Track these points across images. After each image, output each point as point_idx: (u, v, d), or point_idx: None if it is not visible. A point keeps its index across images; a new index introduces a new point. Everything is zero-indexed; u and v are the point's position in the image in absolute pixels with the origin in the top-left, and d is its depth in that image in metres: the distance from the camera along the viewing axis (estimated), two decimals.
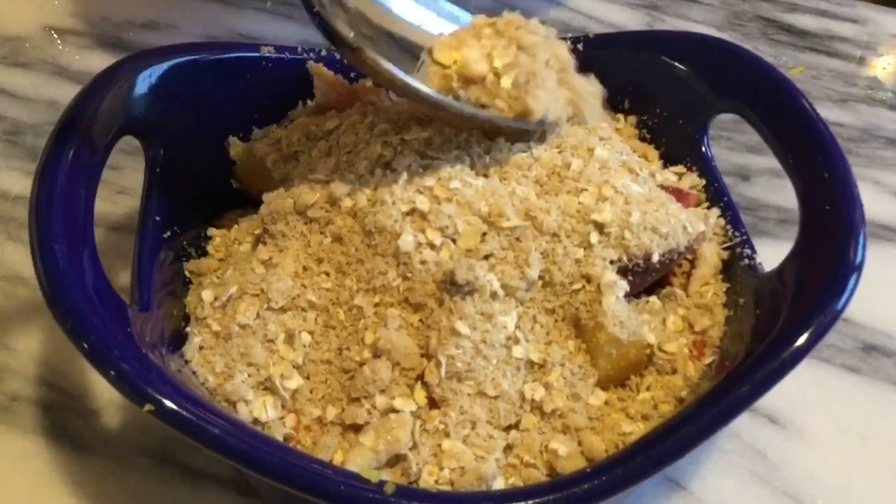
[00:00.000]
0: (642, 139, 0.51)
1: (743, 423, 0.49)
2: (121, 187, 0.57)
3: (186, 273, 0.44)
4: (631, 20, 0.74)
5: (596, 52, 0.52)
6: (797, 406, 0.50)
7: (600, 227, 0.41)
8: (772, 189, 0.62)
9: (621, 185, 0.42)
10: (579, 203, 0.41)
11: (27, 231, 0.53)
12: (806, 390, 0.50)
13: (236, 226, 0.45)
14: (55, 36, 0.68)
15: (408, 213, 0.40)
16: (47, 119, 0.62)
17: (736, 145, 0.64)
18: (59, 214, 0.37)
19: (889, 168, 0.64)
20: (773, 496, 0.46)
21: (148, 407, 0.33)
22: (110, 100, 0.41)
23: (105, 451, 0.46)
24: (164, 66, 0.44)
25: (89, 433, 0.46)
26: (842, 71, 0.72)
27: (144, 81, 0.43)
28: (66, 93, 0.64)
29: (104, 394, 0.48)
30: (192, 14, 0.71)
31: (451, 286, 0.38)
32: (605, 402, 0.40)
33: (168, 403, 0.33)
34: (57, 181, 0.38)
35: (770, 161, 0.63)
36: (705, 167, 0.48)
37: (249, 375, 0.39)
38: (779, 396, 0.50)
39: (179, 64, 0.45)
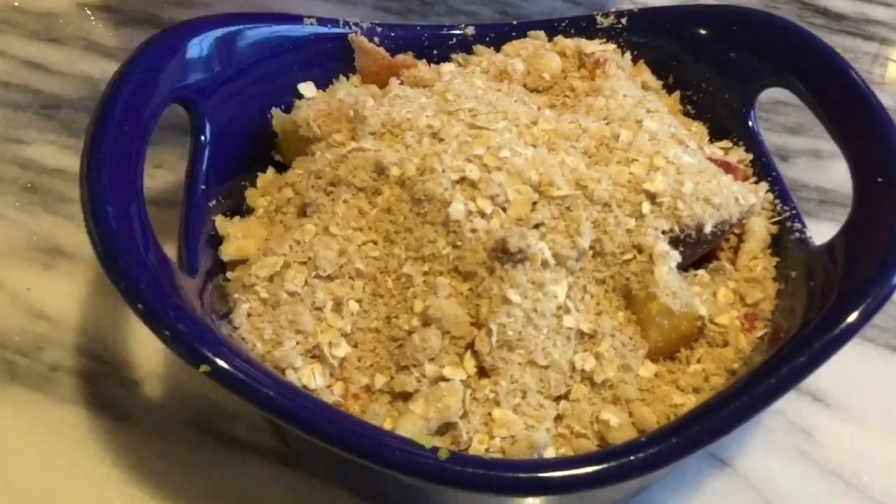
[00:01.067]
0: (686, 114, 0.50)
1: (787, 402, 0.48)
2: (158, 161, 0.57)
3: (228, 237, 0.44)
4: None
5: (639, 27, 0.51)
6: (841, 385, 0.49)
7: (652, 197, 0.40)
8: (812, 170, 0.61)
9: (672, 156, 0.41)
10: (630, 173, 0.41)
11: (64, 203, 0.55)
12: (850, 369, 0.50)
13: (279, 193, 0.45)
14: (88, 12, 0.68)
15: (457, 182, 0.40)
16: (83, 94, 0.62)
17: (774, 126, 0.64)
18: (110, 177, 0.37)
19: None
20: (819, 473, 0.46)
21: (204, 368, 0.33)
22: (160, 65, 0.41)
23: (146, 420, 0.45)
24: (213, 34, 0.44)
25: (130, 403, 0.46)
26: (878, 54, 0.71)
27: (194, 49, 0.43)
28: (101, 68, 0.64)
29: (145, 364, 0.47)
30: None
31: (503, 254, 0.38)
32: (656, 375, 0.40)
33: (223, 364, 0.33)
34: (108, 144, 0.37)
35: (809, 142, 0.63)
36: (752, 142, 0.47)
37: (298, 343, 0.39)
38: (823, 375, 0.48)
39: (227, 33, 0.45)
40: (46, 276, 0.51)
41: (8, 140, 0.59)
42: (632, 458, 0.34)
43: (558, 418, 0.38)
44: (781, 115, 0.65)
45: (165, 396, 0.46)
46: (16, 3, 0.68)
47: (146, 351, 0.48)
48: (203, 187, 0.43)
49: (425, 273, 0.40)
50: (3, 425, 0.45)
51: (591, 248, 0.40)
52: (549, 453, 0.37)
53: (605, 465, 0.34)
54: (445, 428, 0.38)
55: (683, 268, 0.42)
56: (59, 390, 0.46)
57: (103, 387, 0.47)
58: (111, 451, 0.44)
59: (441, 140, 0.42)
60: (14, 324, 0.49)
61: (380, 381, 0.39)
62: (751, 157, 0.47)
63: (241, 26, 0.46)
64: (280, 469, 0.44)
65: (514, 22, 0.54)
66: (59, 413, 0.45)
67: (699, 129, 0.49)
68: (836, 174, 0.61)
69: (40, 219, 0.54)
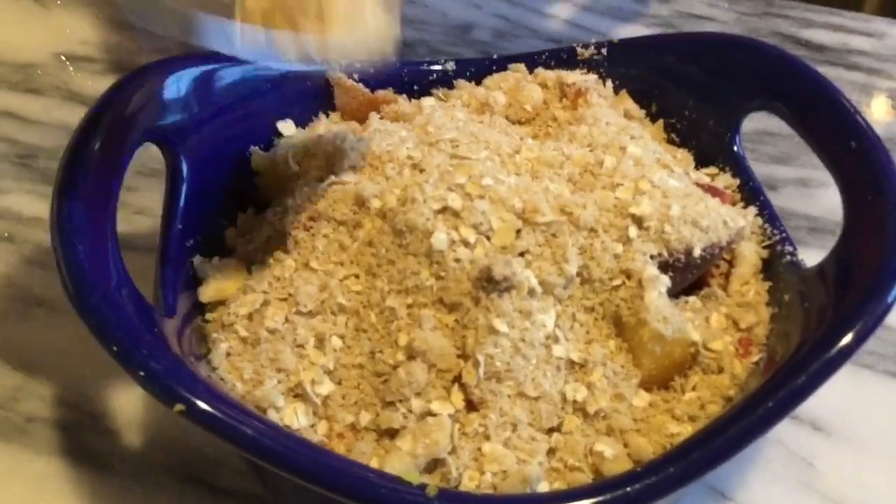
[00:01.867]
0: (671, 142, 0.50)
1: (786, 431, 0.47)
2: (138, 208, 0.56)
3: (207, 278, 0.42)
4: None
5: (620, 57, 0.51)
6: (840, 413, 0.48)
7: (639, 221, 0.39)
8: (800, 198, 0.61)
9: (658, 179, 0.41)
10: (616, 198, 0.40)
11: (41, 253, 0.54)
12: (849, 397, 0.49)
13: (258, 231, 0.44)
14: (67, 63, 0.68)
15: (439, 211, 0.39)
16: (60, 143, 0.60)
17: (761, 156, 0.63)
18: (81, 213, 0.36)
19: None
20: None
21: (179, 407, 0.31)
22: (135, 102, 0.40)
23: (126, 470, 0.44)
24: (188, 73, 0.43)
25: (109, 452, 0.44)
26: (861, 83, 0.71)
27: (170, 87, 0.42)
28: (79, 117, 0.63)
29: (124, 412, 0.46)
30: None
31: (488, 283, 0.37)
32: (650, 404, 0.39)
33: (200, 403, 0.31)
34: (79, 182, 0.36)
35: (796, 171, 0.63)
36: (739, 167, 0.47)
37: (279, 381, 0.38)
38: (822, 403, 0.48)
39: (203, 72, 0.44)
40: (22, 326, 0.50)
41: None
42: (628, 489, 0.33)
43: (551, 451, 0.37)
44: (768, 144, 0.64)
45: (146, 445, 0.45)
46: None
47: (125, 400, 0.47)
48: (180, 227, 0.42)
49: (409, 305, 0.38)
50: None
51: (579, 274, 0.39)
52: (543, 488, 0.36)
53: (600, 498, 0.32)
54: (434, 465, 0.36)
55: (674, 294, 0.42)
56: (37, 441, 0.45)
57: (82, 436, 0.45)
58: (91, 502, 0.42)
59: (422, 171, 0.41)
60: None
61: (365, 418, 0.37)
62: (738, 182, 0.46)
63: (217, 65, 0.45)
64: None
65: (495, 56, 0.53)
66: (36, 464, 0.44)
67: (684, 155, 0.48)
68: (824, 201, 0.61)
69: (18, 268, 0.53)
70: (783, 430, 0.47)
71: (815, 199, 0.61)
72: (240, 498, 0.43)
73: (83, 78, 0.66)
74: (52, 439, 0.45)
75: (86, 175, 0.37)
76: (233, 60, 0.46)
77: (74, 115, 0.62)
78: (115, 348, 0.32)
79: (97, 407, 0.46)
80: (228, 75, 0.46)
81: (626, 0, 0.78)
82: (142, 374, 0.32)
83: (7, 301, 0.51)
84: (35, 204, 0.57)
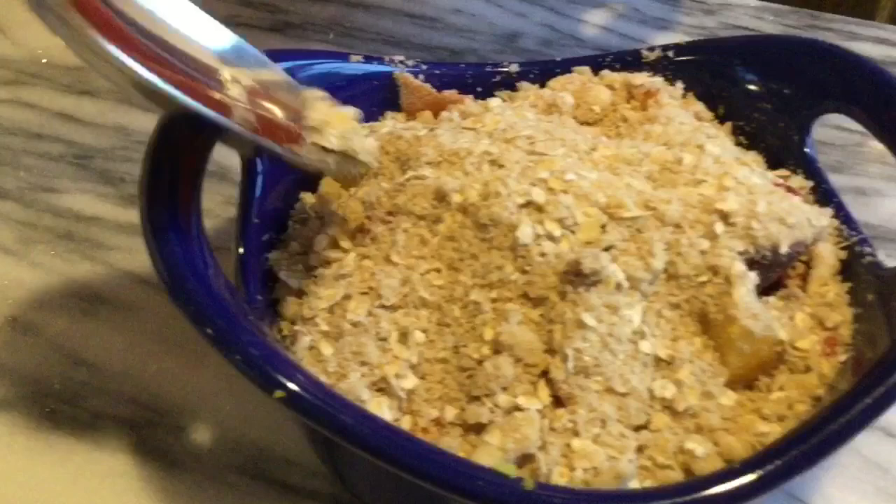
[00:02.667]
0: (739, 145, 0.50)
1: (860, 438, 0.46)
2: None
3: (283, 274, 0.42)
4: None
5: (688, 60, 0.51)
6: None
7: (725, 217, 0.39)
8: (857, 207, 0.59)
9: (742, 176, 0.40)
10: (699, 194, 0.40)
11: (101, 250, 0.54)
12: None
13: (333, 227, 0.43)
14: None
15: (523, 206, 0.39)
16: (116, 144, 0.62)
17: None
18: (169, 204, 0.36)
19: None
20: None
21: (279, 394, 0.31)
22: None
23: (196, 468, 0.43)
24: None
25: (178, 450, 0.44)
26: None
27: None
28: (134, 118, 0.64)
29: (191, 409, 0.46)
30: (255, 45, 0.70)
31: (576, 277, 0.37)
32: (737, 404, 0.38)
33: (301, 390, 0.31)
34: (166, 169, 0.36)
35: (852, 179, 0.63)
36: (811, 169, 0.47)
37: (363, 375, 0.37)
38: (893, 410, 0.48)
39: (283, 69, 0.44)
40: (86, 323, 0.50)
41: (42, 189, 0.58)
42: (727, 487, 0.32)
43: (639, 449, 0.37)
44: (822, 153, 0.63)
45: (214, 442, 0.44)
46: (44, 60, 0.68)
47: (192, 395, 0.46)
48: (257, 221, 0.42)
49: (493, 300, 0.38)
50: (48, 475, 0.43)
51: (665, 270, 0.39)
52: (634, 485, 0.35)
53: (700, 495, 0.32)
54: (522, 461, 0.36)
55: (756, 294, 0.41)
56: (104, 438, 0.44)
57: (150, 434, 0.45)
58: (162, 500, 0.42)
59: (501, 166, 0.41)
60: (54, 371, 0.47)
61: (450, 413, 0.37)
62: (811, 184, 0.46)
63: (294, 62, 0.45)
64: None
65: (558, 59, 0.53)
66: (105, 461, 0.43)
67: (755, 158, 0.48)
68: (881, 210, 0.60)
69: (78, 266, 0.53)
70: (857, 437, 0.46)
71: (872, 207, 0.61)
72: (311, 496, 0.43)
73: None
74: (120, 436, 0.44)
75: (172, 164, 0.37)
76: (307, 56, 0.46)
77: (130, 117, 0.63)
78: (212, 334, 0.32)
79: (163, 404, 0.46)
80: (304, 72, 0.45)
81: (670, 11, 0.79)
82: (239, 359, 0.31)
83: (69, 298, 0.51)
84: (93, 203, 0.57)
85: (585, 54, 0.55)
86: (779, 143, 0.48)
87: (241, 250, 0.40)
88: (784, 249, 0.39)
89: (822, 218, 0.41)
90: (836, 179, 0.62)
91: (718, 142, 0.44)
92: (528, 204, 0.39)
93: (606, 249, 0.38)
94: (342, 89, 0.48)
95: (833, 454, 0.34)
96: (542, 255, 0.38)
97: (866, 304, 0.40)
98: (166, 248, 0.34)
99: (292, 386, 0.31)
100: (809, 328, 0.40)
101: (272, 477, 0.43)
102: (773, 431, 0.37)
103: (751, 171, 0.42)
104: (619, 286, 0.37)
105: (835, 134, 0.65)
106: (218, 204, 0.56)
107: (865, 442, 0.46)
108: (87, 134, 0.62)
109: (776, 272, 0.41)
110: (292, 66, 0.45)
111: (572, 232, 0.38)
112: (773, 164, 0.48)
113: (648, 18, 0.77)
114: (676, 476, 0.36)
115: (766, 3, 0.80)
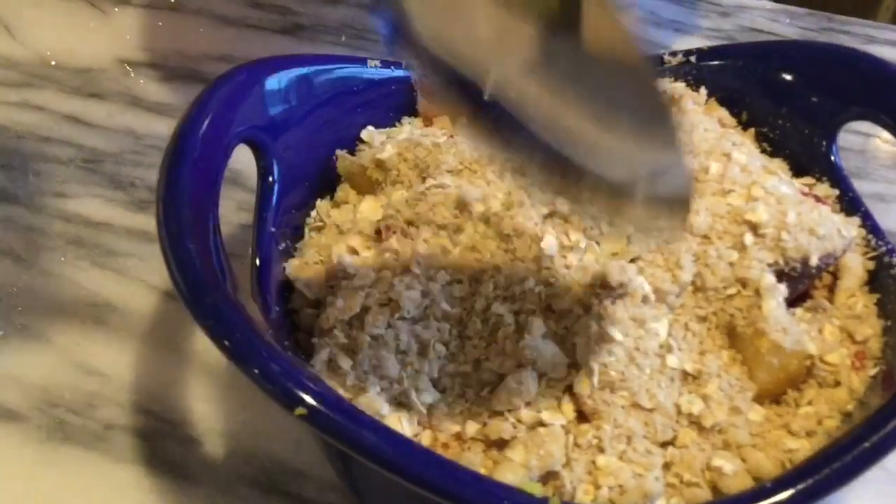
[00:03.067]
0: (763, 152, 0.49)
1: None
2: None
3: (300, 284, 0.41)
4: None
5: (710, 66, 0.50)
6: None
7: (755, 228, 0.38)
8: (877, 213, 0.59)
9: (770, 186, 0.40)
10: (728, 204, 0.39)
11: (111, 257, 0.53)
12: None
13: (351, 236, 0.43)
14: (129, 68, 0.67)
15: (547, 216, 0.38)
16: (125, 147, 0.61)
17: None
18: (187, 213, 0.35)
19: None
20: None
21: (300, 411, 0.30)
22: (231, 102, 0.39)
23: (209, 479, 0.42)
24: (286, 74, 0.42)
25: (191, 462, 0.43)
26: None
27: (263, 87, 0.41)
28: (144, 122, 0.63)
29: (204, 420, 0.45)
30: (266, 47, 0.70)
31: (602, 289, 0.36)
32: (765, 419, 0.37)
33: (323, 408, 0.30)
34: (184, 179, 0.35)
35: (872, 186, 0.62)
36: (837, 177, 0.46)
37: (383, 389, 0.36)
38: None
39: (299, 73, 0.43)
40: (96, 332, 0.49)
41: (51, 194, 0.57)
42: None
43: (666, 466, 0.36)
44: (842, 160, 0.63)
45: (227, 454, 0.44)
46: (52, 63, 0.67)
47: (204, 407, 0.45)
48: (272, 229, 0.41)
49: (516, 312, 0.37)
50: (59, 486, 0.42)
51: (692, 282, 0.38)
52: None
53: None
54: (546, 478, 0.35)
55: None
56: (116, 449, 0.44)
57: (161, 445, 0.44)
58: None
59: (524, 174, 0.40)
60: (64, 381, 0.46)
61: (472, 428, 0.36)
62: (837, 192, 0.45)
63: (311, 68, 0.44)
64: None
65: None
66: (116, 473, 0.43)
67: (780, 165, 0.47)
68: None
69: (88, 272, 0.52)
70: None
71: (892, 213, 0.60)
72: None
73: (145, 84, 0.66)
74: (132, 447, 0.44)
75: (192, 173, 0.36)
76: (323, 61, 0.46)
77: (138, 120, 0.62)
78: (232, 349, 0.31)
79: (175, 415, 0.45)
80: (320, 77, 0.45)
81: (686, 14, 0.78)
82: (257, 373, 0.30)
83: (79, 305, 0.50)
84: (103, 208, 0.56)
85: None
86: (803, 150, 0.47)
87: (257, 261, 0.39)
88: (814, 261, 0.38)
89: (851, 228, 0.40)
90: (856, 186, 0.62)
91: (745, 149, 0.43)
92: (553, 214, 0.38)
93: (632, 261, 0.37)
94: (359, 94, 0.47)
95: (865, 472, 0.33)
96: (567, 266, 0.37)
97: (895, 318, 0.40)
98: (184, 259, 0.33)
99: (313, 402, 0.30)
100: (839, 341, 0.39)
101: (286, 490, 0.42)
102: (801, 448, 0.36)
103: (779, 180, 0.41)
104: (645, 299, 0.37)
105: (853, 139, 0.64)
106: (231, 210, 0.55)
107: (891, 455, 0.45)
108: (97, 137, 0.61)
109: (804, 284, 0.40)
110: (310, 70, 0.44)
111: (597, 243, 0.37)
112: (796, 171, 0.47)
113: (664, 21, 0.76)
114: (704, 494, 0.35)
115: (782, 5, 0.79)
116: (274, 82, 0.42)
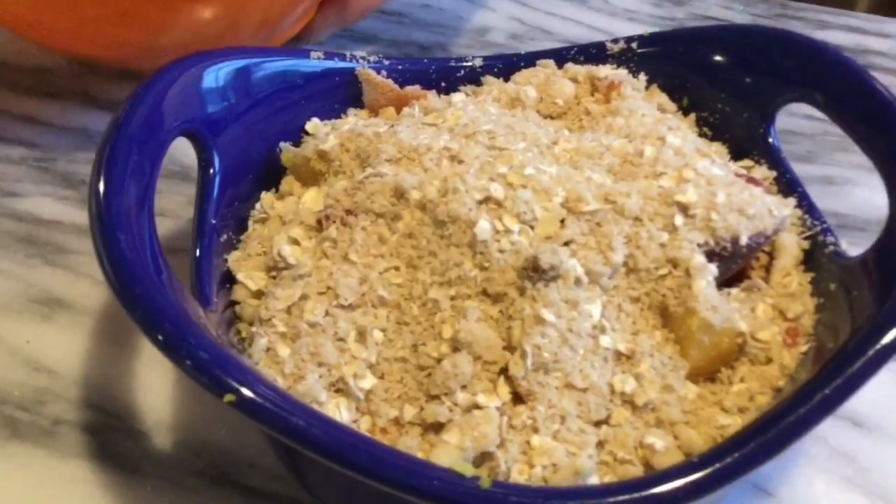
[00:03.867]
0: (703, 136, 0.49)
1: (827, 428, 0.46)
2: (160, 209, 0.54)
3: (241, 276, 0.42)
4: None
5: (650, 52, 0.51)
6: (880, 409, 0.47)
7: (685, 209, 0.39)
8: (826, 196, 0.60)
9: (702, 168, 0.40)
10: (659, 186, 0.39)
11: (62, 254, 0.53)
12: (888, 394, 0.48)
13: (293, 226, 0.43)
14: (82, 67, 0.67)
15: (482, 202, 0.38)
16: (78, 146, 0.61)
17: (786, 155, 0.63)
18: (121, 206, 0.35)
19: None
20: (865, 499, 0.43)
21: (228, 397, 0.30)
22: (170, 95, 0.40)
23: (156, 472, 0.43)
24: (224, 67, 0.43)
25: (139, 455, 0.43)
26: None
27: (204, 80, 0.42)
28: (98, 120, 0.63)
29: (152, 414, 0.45)
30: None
31: (534, 272, 0.36)
32: (698, 396, 0.38)
33: (251, 393, 0.30)
34: (117, 173, 0.36)
35: (821, 168, 0.63)
36: (775, 159, 0.46)
37: (321, 376, 0.37)
38: (860, 400, 0.47)
39: (238, 67, 0.44)
40: (46, 328, 0.49)
41: (2, 194, 0.57)
42: (685, 480, 0.32)
43: (599, 444, 0.36)
44: (792, 143, 0.64)
45: (176, 447, 0.44)
46: (5, 62, 0.67)
47: (153, 401, 0.46)
48: (213, 221, 0.41)
49: (452, 297, 0.38)
50: (7, 482, 0.42)
51: (624, 264, 0.38)
52: (594, 481, 0.35)
53: (659, 490, 0.32)
54: (481, 459, 0.35)
55: (717, 285, 0.41)
56: (64, 445, 0.44)
57: (110, 439, 0.44)
58: None
59: (461, 162, 0.40)
60: (13, 378, 0.47)
61: (409, 412, 0.37)
62: (774, 174, 0.46)
63: (251, 60, 0.45)
64: None
65: (523, 52, 0.53)
66: (65, 468, 0.43)
67: (719, 149, 0.48)
68: (851, 199, 0.60)
69: (38, 270, 0.52)
70: (824, 427, 0.46)
71: (842, 196, 0.61)
72: (273, 499, 0.42)
73: (99, 82, 0.66)
74: (81, 442, 0.44)
75: (124, 166, 0.36)
76: (265, 55, 0.46)
77: (92, 119, 0.62)
78: (161, 339, 0.31)
79: (124, 409, 0.45)
80: (261, 69, 0.45)
81: (640, 3, 0.78)
82: (190, 363, 0.31)
83: (29, 303, 0.50)
84: (55, 206, 0.56)
85: (554, 47, 0.55)
86: (743, 133, 0.48)
87: (196, 252, 0.40)
88: (744, 240, 0.39)
89: (784, 208, 0.41)
90: (804, 169, 0.62)
91: (680, 133, 0.43)
92: (487, 200, 0.38)
93: (566, 244, 0.38)
94: (303, 87, 0.48)
95: (792, 445, 0.33)
96: (501, 251, 0.37)
97: (828, 294, 0.40)
98: (114, 251, 0.33)
99: (242, 389, 0.30)
100: (771, 319, 0.40)
101: (233, 480, 0.43)
102: (733, 423, 0.37)
103: (711, 162, 0.42)
104: (578, 281, 0.37)
105: (804, 123, 0.65)
106: (180, 205, 0.55)
107: (832, 432, 0.46)
108: (49, 136, 0.62)
109: (737, 263, 0.41)
110: (250, 62, 0.45)
111: (531, 227, 0.38)
112: (737, 154, 0.48)
113: (618, 10, 0.77)
114: (636, 471, 0.35)
115: None
116: (213, 76, 0.43)
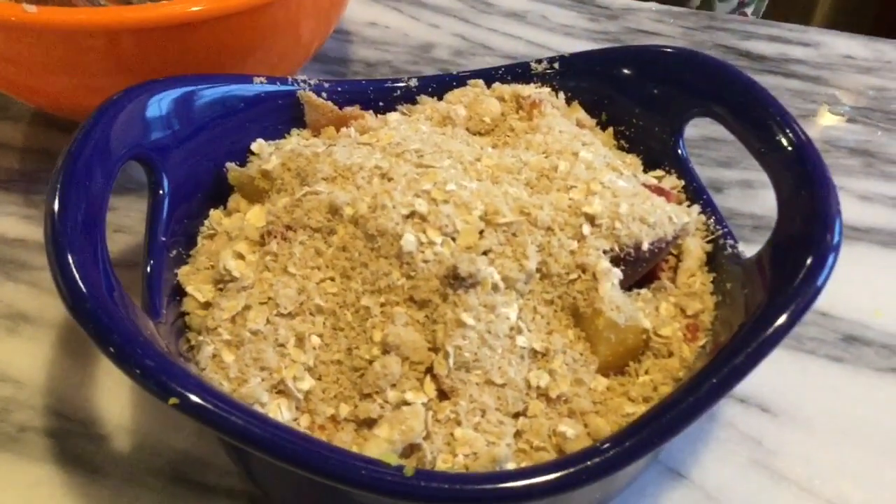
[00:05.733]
0: (621, 148, 0.53)
1: (736, 413, 0.50)
2: (118, 226, 0.58)
3: (190, 288, 0.45)
4: None
5: (571, 71, 0.55)
6: (786, 395, 0.52)
7: (591, 219, 0.43)
8: (744, 199, 0.65)
9: (608, 181, 0.44)
10: (570, 199, 0.43)
11: (25, 271, 0.56)
12: (794, 380, 0.52)
13: (238, 241, 0.46)
14: None
15: (408, 216, 0.42)
16: (39, 167, 0.64)
17: (707, 160, 0.67)
18: (74, 227, 0.38)
19: (852, 175, 0.67)
20: (771, 480, 0.47)
21: (173, 401, 0.34)
22: (120, 122, 0.43)
23: (117, 473, 0.46)
24: (170, 95, 0.46)
25: (100, 457, 0.47)
26: (800, 90, 0.76)
27: (151, 107, 0.45)
28: (56, 142, 0.66)
29: (113, 418, 0.48)
30: None
31: (455, 280, 0.40)
32: (607, 388, 0.42)
33: (192, 396, 0.34)
34: (71, 196, 0.39)
35: (740, 173, 0.67)
36: (683, 168, 0.50)
37: (263, 379, 0.40)
38: (769, 387, 0.52)
39: (183, 93, 0.47)
40: (10, 341, 0.52)
41: None
42: (588, 463, 0.36)
43: (517, 434, 0.40)
44: (713, 150, 0.68)
45: (135, 449, 0.47)
46: None
47: (113, 406, 0.49)
48: (163, 238, 0.45)
49: (382, 304, 0.41)
50: None
51: (538, 270, 0.42)
52: (511, 467, 0.39)
53: (564, 472, 0.35)
54: (410, 450, 0.39)
55: (627, 287, 0.45)
56: (29, 449, 0.47)
57: (73, 444, 0.47)
58: None
59: (390, 179, 0.44)
60: None
61: (344, 410, 0.40)
62: (682, 183, 0.50)
63: (196, 87, 0.48)
64: None
65: (455, 73, 0.57)
66: (30, 471, 0.46)
67: (633, 160, 0.52)
68: (767, 201, 0.64)
69: (2, 286, 0.55)
70: (734, 413, 0.50)
71: (759, 199, 0.65)
72: (227, 494, 0.45)
73: None
74: (45, 447, 0.47)
75: (76, 191, 0.39)
76: (209, 81, 0.49)
77: (52, 140, 0.65)
78: (111, 350, 0.35)
79: (86, 415, 0.49)
80: (205, 95, 0.48)
81: (576, 18, 0.82)
82: (138, 371, 0.34)
83: None
84: (17, 226, 0.59)
85: (495, 62, 0.58)
86: (655, 145, 0.52)
87: (147, 269, 0.43)
88: (646, 246, 0.43)
89: (684, 215, 0.45)
90: (725, 174, 0.67)
91: (593, 148, 0.47)
92: (412, 214, 0.42)
93: (485, 253, 0.42)
94: (245, 110, 0.51)
95: (685, 428, 0.37)
96: (425, 261, 0.41)
97: (726, 293, 0.44)
98: (68, 271, 0.36)
99: (185, 393, 0.34)
100: (672, 317, 0.44)
101: (189, 478, 0.46)
102: (638, 412, 0.41)
103: (619, 175, 0.46)
104: (495, 287, 0.41)
105: (723, 130, 0.68)
106: (136, 221, 0.59)
107: (741, 417, 0.50)
108: (12, 158, 0.64)
109: (643, 267, 0.45)
110: (192, 90, 0.48)
111: (453, 239, 0.42)
112: (651, 165, 0.52)
113: (555, 25, 0.81)
114: (550, 457, 0.39)
115: (668, 6, 0.84)
116: (157, 104, 0.46)
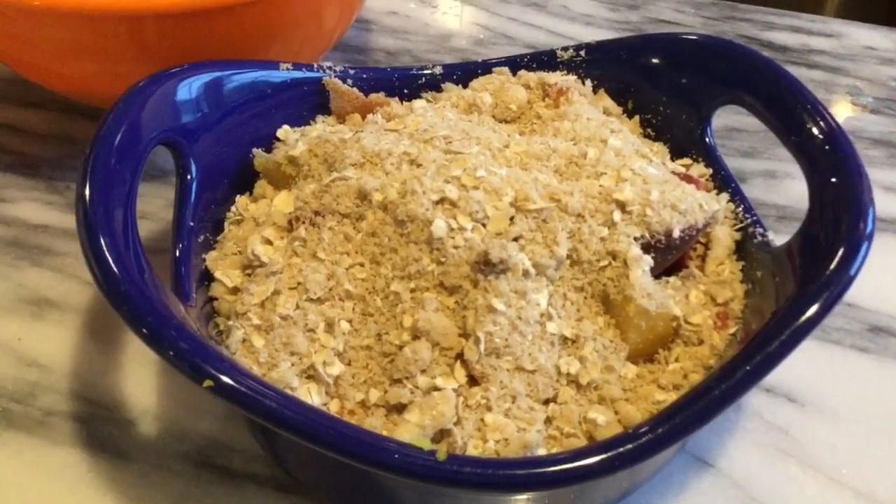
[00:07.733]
0: (646, 137, 0.53)
1: (763, 403, 0.50)
2: (142, 212, 0.58)
3: (218, 273, 0.45)
4: None
5: (597, 58, 0.55)
6: (813, 386, 0.51)
7: (622, 206, 0.42)
8: (768, 189, 0.65)
9: (638, 168, 0.44)
10: (600, 185, 0.43)
11: (49, 256, 0.56)
12: (820, 371, 0.52)
13: (265, 227, 0.46)
14: None
15: (438, 202, 0.42)
16: (63, 153, 0.64)
17: (731, 151, 0.67)
18: (105, 210, 0.38)
19: (876, 165, 0.67)
20: (798, 468, 0.47)
21: (207, 383, 0.34)
22: (149, 107, 0.43)
23: (143, 458, 0.46)
24: (199, 80, 0.46)
25: (126, 442, 0.47)
26: (822, 80, 0.75)
27: (180, 94, 0.45)
28: (81, 128, 0.66)
29: (139, 403, 0.48)
30: None
31: (486, 266, 0.40)
32: (637, 375, 0.42)
33: (226, 379, 0.34)
34: (101, 179, 0.39)
35: (764, 163, 0.67)
36: (711, 157, 0.50)
37: (293, 364, 0.40)
38: (795, 377, 0.52)
39: (212, 79, 0.47)
40: (36, 326, 0.52)
41: None
42: (622, 449, 0.36)
43: (548, 420, 0.40)
44: (736, 140, 0.68)
45: (161, 434, 0.47)
46: None
47: (139, 391, 0.49)
48: (191, 224, 0.45)
49: (412, 290, 0.41)
50: (2, 469, 0.45)
51: (569, 256, 0.42)
52: (541, 453, 0.39)
53: (599, 458, 0.35)
54: (440, 435, 0.39)
55: (657, 275, 0.45)
56: (56, 434, 0.47)
57: (99, 428, 0.47)
58: (111, 490, 0.45)
59: (419, 165, 0.44)
60: (7, 373, 0.50)
61: (374, 395, 0.40)
62: (710, 171, 0.50)
63: (225, 72, 0.48)
64: (277, 496, 0.45)
65: (480, 60, 0.56)
66: (56, 455, 0.46)
67: (660, 149, 0.51)
68: (790, 191, 0.64)
69: (27, 272, 0.55)
70: (760, 403, 0.50)
71: (783, 189, 0.65)
72: (252, 479, 0.45)
73: None
74: (71, 431, 0.47)
75: (107, 175, 0.39)
76: (237, 67, 0.49)
77: (76, 126, 0.65)
78: (145, 332, 0.35)
79: (112, 400, 0.49)
80: (233, 81, 0.48)
81: (597, 7, 0.82)
82: (172, 354, 0.34)
83: (20, 302, 0.53)
84: (41, 212, 0.59)
85: (515, 52, 0.58)
86: (682, 133, 0.52)
87: (176, 253, 0.43)
88: (677, 233, 0.43)
89: (714, 203, 0.45)
90: (748, 164, 0.66)
91: (621, 136, 0.47)
92: (443, 200, 0.42)
93: (515, 240, 0.41)
94: (272, 96, 0.51)
95: (716, 416, 0.37)
96: (456, 247, 0.41)
97: (756, 281, 0.44)
98: (101, 255, 0.36)
99: (220, 375, 0.34)
100: (703, 304, 0.43)
101: (215, 463, 0.46)
102: (668, 399, 0.41)
103: (648, 162, 0.45)
104: (526, 273, 0.41)
105: (748, 121, 0.69)
106: (160, 207, 0.59)
107: (768, 407, 0.50)
108: (35, 144, 0.65)
109: (673, 254, 0.45)
110: (221, 74, 0.48)
111: (483, 225, 0.41)
112: (677, 153, 0.52)
113: (576, 15, 0.81)
114: (580, 443, 0.39)
115: None
116: (187, 88, 0.46)
